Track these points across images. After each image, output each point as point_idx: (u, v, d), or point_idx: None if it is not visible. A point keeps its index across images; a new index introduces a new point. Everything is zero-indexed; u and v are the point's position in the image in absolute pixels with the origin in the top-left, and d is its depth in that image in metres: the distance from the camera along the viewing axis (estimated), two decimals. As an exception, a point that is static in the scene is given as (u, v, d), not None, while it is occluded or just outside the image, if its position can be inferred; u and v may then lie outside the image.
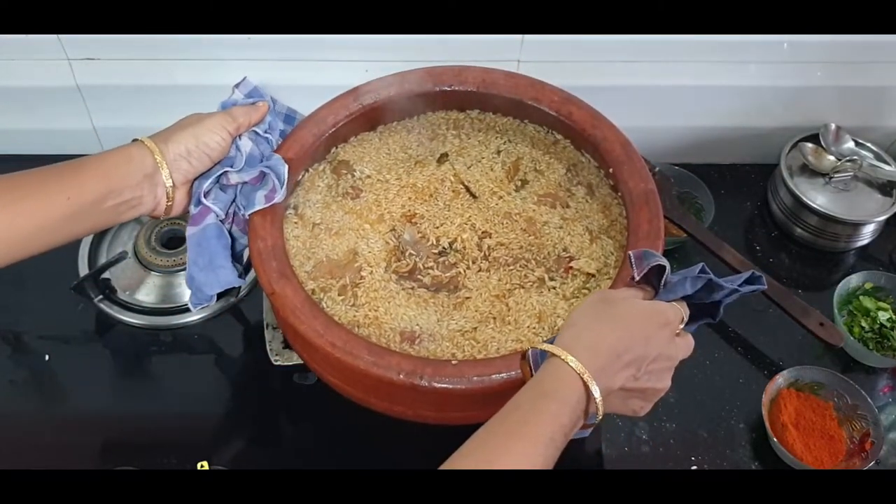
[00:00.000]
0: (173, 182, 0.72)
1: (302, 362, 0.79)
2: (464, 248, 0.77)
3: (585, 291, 0.74)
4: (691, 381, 0.91)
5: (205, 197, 0.75)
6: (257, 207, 0.74)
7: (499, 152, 0.85)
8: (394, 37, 0.94)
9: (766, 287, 0.63)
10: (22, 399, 0.88)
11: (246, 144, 0.77)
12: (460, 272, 0.75)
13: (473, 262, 0.76)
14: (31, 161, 1.10)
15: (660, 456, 0.86)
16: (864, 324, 0.94)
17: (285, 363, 0.83)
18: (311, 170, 0.82)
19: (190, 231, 0.77)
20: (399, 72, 0.85)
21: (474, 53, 0.91)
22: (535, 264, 0.76)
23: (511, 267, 0.76)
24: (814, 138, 1.07)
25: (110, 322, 0.94)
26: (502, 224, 0.79)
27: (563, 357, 0.56)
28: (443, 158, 0.84)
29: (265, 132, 0.79)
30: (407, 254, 0.76)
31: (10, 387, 0.89)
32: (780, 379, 0.87)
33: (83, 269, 0.97)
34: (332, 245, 0.77)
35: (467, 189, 0.81)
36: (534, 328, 0.72)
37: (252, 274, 0.97)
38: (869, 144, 1.08)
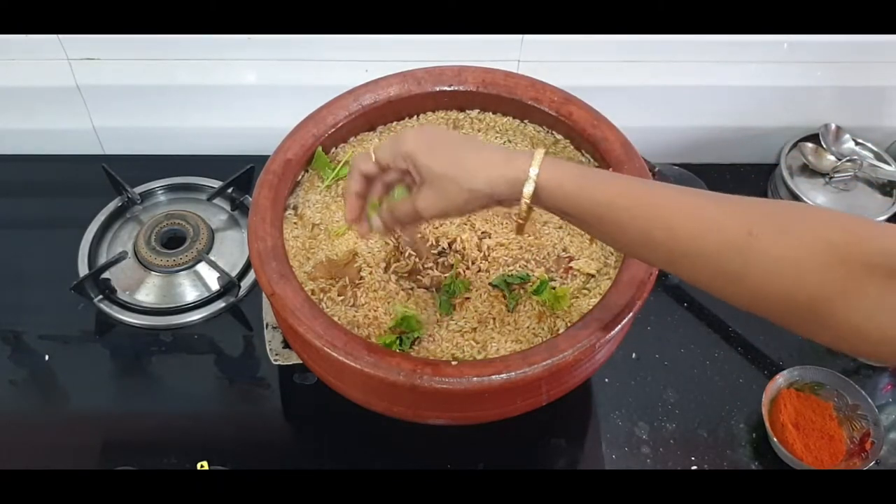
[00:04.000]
0: None
1: (302, 362, 0.79)
2: (463, 248, 0.76)
3: (585, 291, 0.74)
4: (691, 381, 0.92)
5: None
6: None
7: (499, 152, 0.85)
8: (394, 37, 0.94)
9: None
10: (22, 399, 0.88)
11: None
12: (460, 273, 0.75)
13: (473, 263, 0.76)
14: (32, 161, 1.11)
15: (660, 456, 0.86)
16: None
17: (285, 363, 0.83)
18: (310, 170, 0.82)
19: None
20: (399, 72, 0.85)
21: (474, 53, 0.91)
22: (534, 265, 0.76)
23: (510, 267, 0.76)
24: (814, 138, 1.07)
25: (110, 322, 0.95)
26: (502, 224, 0.78)
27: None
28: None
29: None
30: (406, 254, 0.76)
31: (10, 387, 0.89)
32: (780, 379, 0.87)
33: (83, 270, 0.97)
34: (332, 245, 0.77)
35: (467, 189, 0.81)
36: (533, 328, 0.72)
37: (252, 274, 0.98)
38: (869, 144, 1.08)
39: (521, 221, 0.60)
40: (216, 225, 1.02)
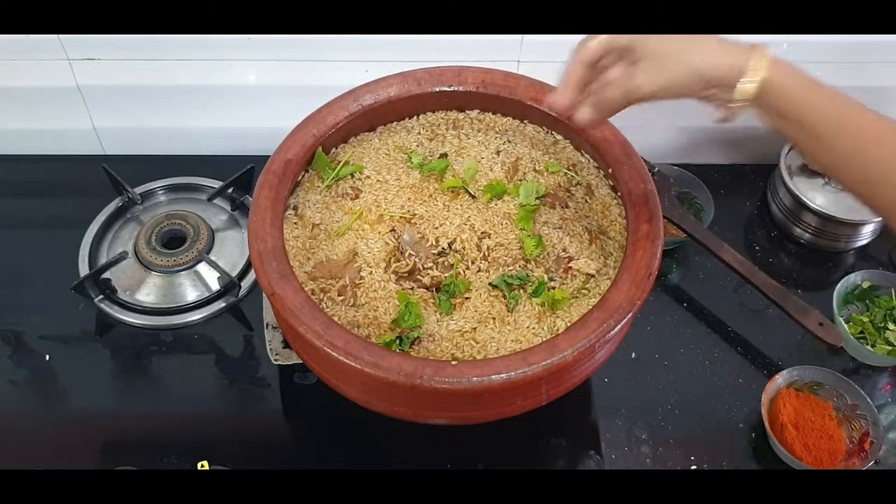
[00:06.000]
0: None
1: (302, 362, 0.79)
2: (463, 248, 0.77)
3: (585, 292, 0.74)
4: (691, 381, 0.92)
5: None
6: None
7: (498, 153, 0.85)
8: (394, 37, 0.94)
9: None
10: (22, 399, 0.89)
11: None
12: (460, 273, 0.75)
13: (473, 263, 0.76)
14: (32, 161, 1.11)
15: (660, 456, 0.86)
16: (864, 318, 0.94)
17: (285, 363, 0.83)
18: (311, 170, 0.82)
19: None
20: (399, 72, 0.85)
21: (474, 53, 0.91)
22: (534, 265, 0.76)
23: (510, 267, 0.76)
24: (813, 138, 1.07)
25: (110, 322, 0.95)
26: (502, 224, 0.79)
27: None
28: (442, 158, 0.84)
29: None
30: (406, 254, 0.76)
31: (10, 387, 0.89)
32: (780, 379, 0.87)
33: (83, 270, 0.97)
34: (332, 245, 0.77)
35: (467, 189, 0.81)
36: (533, 328, 0.72)
37: (252, 274, 0.98)
38: (868, 144, 1.07)
39: (729, 113, 0.61)
40: (216, 225, 1.02)
